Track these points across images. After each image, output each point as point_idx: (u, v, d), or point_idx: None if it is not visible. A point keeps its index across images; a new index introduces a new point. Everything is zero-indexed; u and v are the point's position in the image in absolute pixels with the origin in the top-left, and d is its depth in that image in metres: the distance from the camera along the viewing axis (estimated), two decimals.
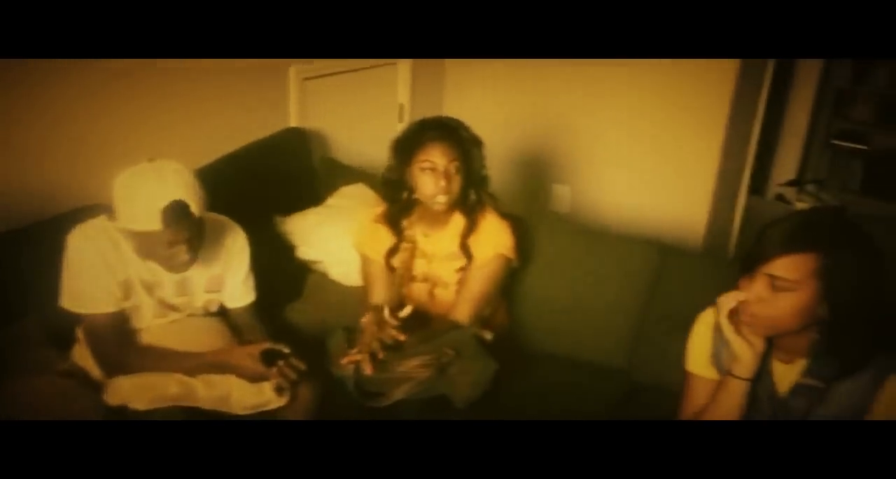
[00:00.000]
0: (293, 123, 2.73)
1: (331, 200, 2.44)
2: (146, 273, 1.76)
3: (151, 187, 1.59)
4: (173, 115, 2.29)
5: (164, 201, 1.57)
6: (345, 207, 2.38)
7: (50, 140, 2.00)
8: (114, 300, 1.73)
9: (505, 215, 2.05)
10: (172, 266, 1.71)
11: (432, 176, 1.89)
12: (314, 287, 2.24)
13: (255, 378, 1.70)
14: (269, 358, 1.70)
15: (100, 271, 1.70)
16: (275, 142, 2.57)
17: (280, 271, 2.12)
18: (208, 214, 1.75)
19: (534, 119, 3.36)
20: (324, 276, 2.27)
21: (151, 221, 1.58)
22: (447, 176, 1.88)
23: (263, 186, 2.33)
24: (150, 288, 1.77)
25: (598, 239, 2.37)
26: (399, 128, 3.25)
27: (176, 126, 2.28)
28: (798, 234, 1.34)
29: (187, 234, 1.64)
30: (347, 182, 2.55)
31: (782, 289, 1.34)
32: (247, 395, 1.74)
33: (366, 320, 1.87)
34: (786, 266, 1.33)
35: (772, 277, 1.34)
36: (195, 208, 1.62)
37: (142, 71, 2.14)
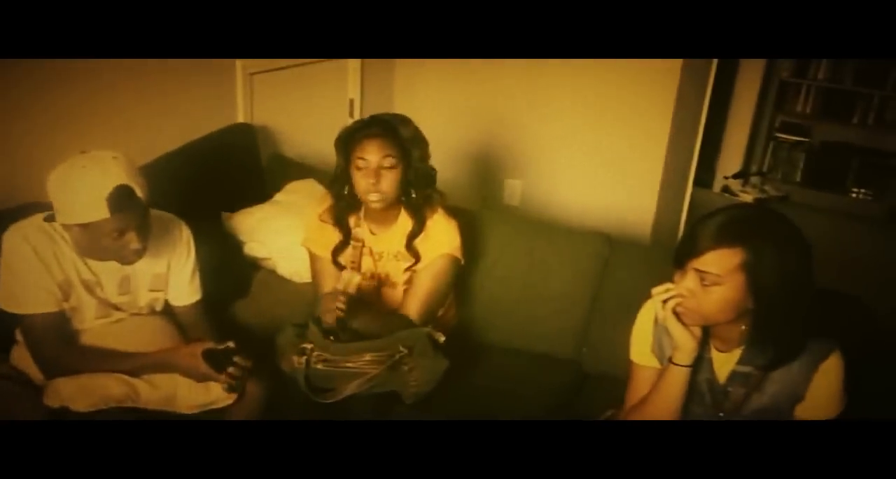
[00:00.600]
0: (241, 119, 2.69)
1: (279, 196, 2.42)
2: (86, 272, 1.72)
3: (92, 177, 1.55)
4: (116, 110, 2.24)
5: (108, 189, 1.54)
6: (293, 202, 2.36)
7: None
8: (53, 300, 1.69)
9: (452, 213, 2.05)
10: (125, 257, 1.66)
11: (364, 173, 1.88)
12: (262, 284, 2.22)
13: (200, 378, 1.68)
14: (214, 357, 1.68)
15: (37, 271, 1.65)
16: (222, 137, 2.53)
17: (227, 268, 2.09)
18: (152, 210, 1.73)
19: (485, 114, 3.38)
20: (272, 273, 2.26)
21: (98, 211, 1.55)
22: (377, 174, 1.87)
23: (210, 183, 2.29)
24: (90, 288, 1.73)
25: (546, 230, 2.41)
26: (349, 123, 3.25)
27: (119, 122, 2.24)
28: (723, 229, 1.38)
29: (136, 221, 1.61)
30: (295, 178, 2.53)
31: (711, 283, 1.38)
32: (193, 394, 1.73)
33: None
34: (713, 261, 1.37)
35: (700, 272, 1.39)
36: (140, 193, 1.59)
37: (82, 65, 2.09)
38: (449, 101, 3.40)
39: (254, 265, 2.27)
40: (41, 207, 1.93)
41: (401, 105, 3.49)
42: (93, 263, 1.71)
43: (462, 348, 1.99)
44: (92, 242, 1.63)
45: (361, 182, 1.88)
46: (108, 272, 1.73)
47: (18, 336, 1.79)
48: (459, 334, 2.12)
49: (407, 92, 3.51)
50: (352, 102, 3.25)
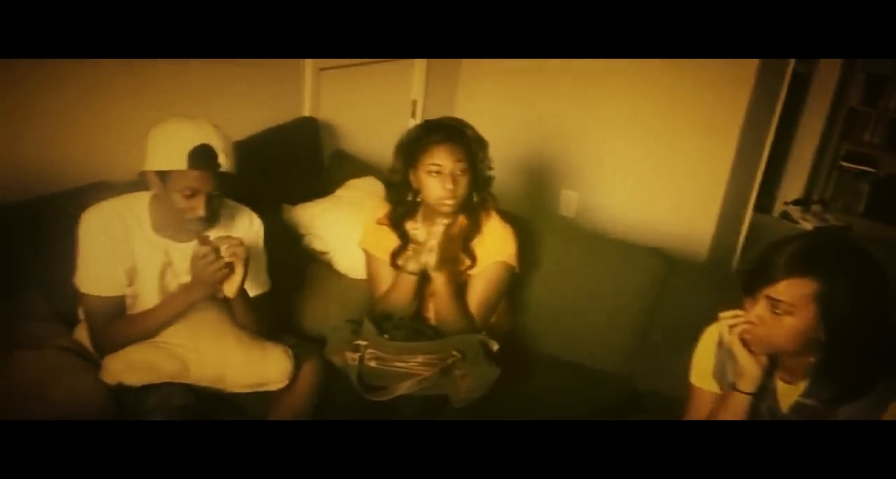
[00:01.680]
0: (307, 113, 2.72)
1: (339, 192, 2.43)
2: (159, 254, 1.75)
3: (184, 129, 1.61)
4: (189, 99, 2.28)
5: (193, 143, 1.58)
6: (353, 199, 2.37)
7: (62, 116, 1.99)
8: (116, 285, 1.73)
9: (508, 218, 2.04)
10: (189, 223, 1.67)
11: (439, 179, 1.87)
12: (319, 278, 2.23)
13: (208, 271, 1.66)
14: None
15: (107, 255, 1.69)
16: (287, 131, 2.56)
17: (286, 260, 2.10)
18: (227, 200, 1.75)
19: (545, 122, 3.36)
20: (329, 267, 2.27)
21: (177, 161, 1.59)
22: (454, 179, 1.86)
23: (273, 175, 2.32)
24: (162, 270, 1.76)
25: (603, 243, 2.38)
26: (411, 123, 3.26)
27: (191, 111, 2.27)
28: (798, 258, 1.34)
29: (208, 185, 1.63)
30: (357, 175, 2.54)
31: (782, 312, 1.34)
32: (243, 373, 1.76)
33: None
34: (786, 290, 1.33)
35: (772, 299, 1.35)
36: (222, 159, 1.61)
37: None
38: (510, 108, 3.39)
39: (311, 258, 2.29)
40: (108, 186, 2.00)
41: (462, 109, 3.49)
42: (166, 243, 1.74)
43: (512, 357, 1.96)
44: (167, 198, 1.65)
45: (437, 189, 1.87)
46: (180, 253, 1.75)
47: (81, 314, 1.83)
48: (510, 343, 2.10)
49: (469, 96, 3.51)
50: (414, 103, 3.26)
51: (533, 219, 2.33)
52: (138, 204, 1.74)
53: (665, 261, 2.24)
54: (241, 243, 1.68)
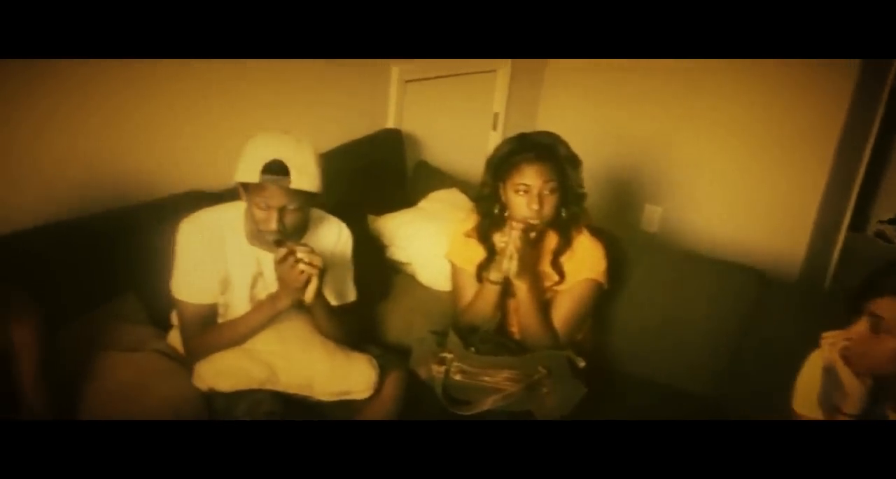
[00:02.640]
0: (390, 124, 2.74)
1: (423, 203, 2.44)
2: (251, 263, 1.78)
3: (264, 144, 1.64)
4: (280, 109, 2.33)
5: (269, 157, 1.60)
6: (437, 211, 2.37)
7: (156, 126, 2.05)
8: (210, 294, 1.77)
9: (599, 235, 2.00)
10: (264, 234, 1.69)
11: (525, 198, 1.84)
12: (402, 289, 2.23)
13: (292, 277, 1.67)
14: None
15: (203, 264, 1.73)
16: (372, 142, 2.59)
17: (370, 271, 2.11)
18: (315, 210, 1.77)
19: (629, 135, 3.30)
20: (412, 278, 2.27)
21: (252, 174, 1.61)
22: (541, 199, 1.83)
23: (359, 185, 2.34)
24: (253, 280, 1.79)
25: (695, 261, 2.31)
26: (492, 136, 3.26)
27: (280, 121, 2.32)
28: None
29: (280, 199, 1.63)
30: (439, 186, 2.55)
31: (884, 330, 1.32)
32: (330, 382, 1.77)
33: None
34: (889, 307, 1.31)
35: (874, 316, 1.33)
36: (295, 175, 1.62)
37: (251, 63, 2.18)
38: (593, 120, 3.35)
39: (395, 269, 2.29)
40: (202, 195, 2.05)
41: (544, 122, 3.46)
42: (258, 253, 1.77)
43: (598, 376, 1.92)
44: (248, 209, 1.69)
45: (523, 208, 1.84)
46: (270, 263, 1.77)
47: (174, 320, 1.88)
48: (596, 361, 2.05)
49: (551, 110, 3.49)
50: (496, 115, 3.26)
51: (621, 235, 2.28)
52: (233, 214, 1.77)
53: (759, 280, 2.16)
54: (315, 252, 1.67)
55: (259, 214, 1.66)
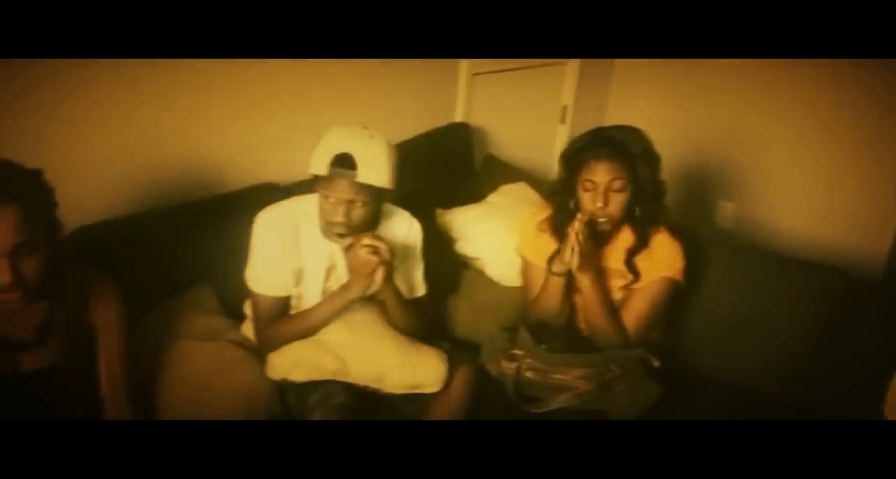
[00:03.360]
0: (459, 118, 2.73)
1: (492, 197, 2.41)
2: (324, 257, 1.79)
3: (337, 138, 1.65)
4: (350, 102, 2.34)
5: (338, 151, 1.62)
6: (506, 205, 2.35)
7: (233, 120, 2.09)
8: (284, 286, 1.79)
9: (678, 233, 1.93)
10: (333, 227, 1.70)
11: (591, 195, 1.80)
12: (471, 284, 2.22)
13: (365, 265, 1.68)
14: None
15: (279, 257, 1.75)
16: (440, 135, 2.58)
17: (438, 265, 2.10)
18: (387, 204, 1.78)
19: (701, 129, 3.21)
20: (480, 273, 2.25)
21: (321, 167, 1.63)
22: (606, 196, 1.79)
23: (427, 179, 2.34)
24: (326, 273, 1.80)
25: (774, 261, 2.22)
26: (561, 130, 3.22)
27: (352, 115, 2.33)
28: None
29: (347, 192, 1.64)
30: (508, 180, 2.52)
31: None
32: (401, 375, 1.77)
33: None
34: None
35: None
36: (362, 169, 1.62)
37: (325, 59, 2.20)
38: (664, 114, 3.26)
39: (463, 263, 2.28)
40: (276, 187, 2.08)
41: (613, 116, 3.40)
42: (332, 246, 1.78)
43: (673, 376, 1.87)
44: (320, 202, 1.70)
45: (588, 204, 1.81)
46: (343, 256, 1.79)
47: (247, 310, 1.90)
48: (672, 361, 2.00)
49: (621, 103, 3.42)
50: (565, 108, 3.21)
51: (700, 231, 2.21)
52: (308, 206, 1.79)
53: (842, 280, 2.06)
54: (381, 239, 1.67)
55: (326, 206, 1.68)
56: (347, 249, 1.67)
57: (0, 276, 1.20)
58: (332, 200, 1.66)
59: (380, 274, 1.68)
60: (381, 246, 1.66)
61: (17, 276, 1.22)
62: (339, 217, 1.66)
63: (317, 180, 1.68)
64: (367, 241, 1.65)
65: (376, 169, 1.64)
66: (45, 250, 1.25)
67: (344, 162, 1.61)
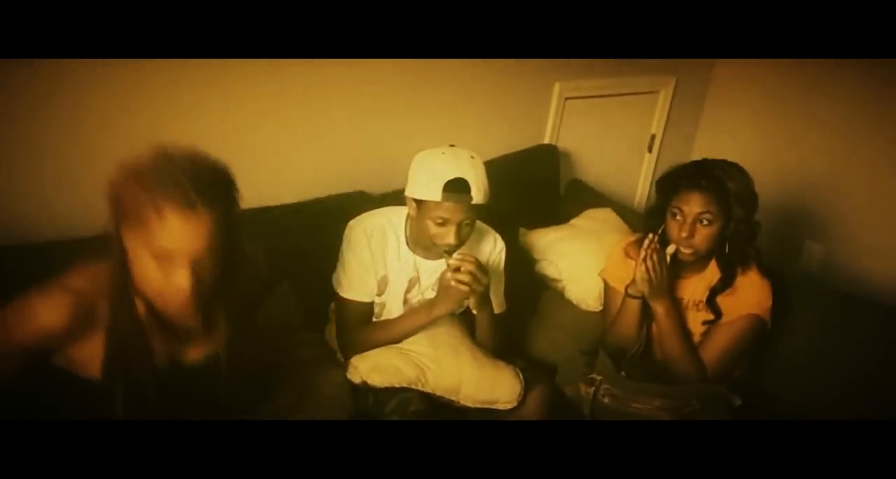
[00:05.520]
0: (547, 140, 2.74)
1: (576, 221, 2.42)
2: (408, 269, 1.83)
3: (443, 163, 1.66)
4: (441, 117, 2.38)
5: (450, 176, 1.64)
6: (590, 229, 2.34)
7: (326, 128, 2.14)
8: (370, 293, 1.83)
9: (767, 273, 1.90)
10: (437, 245, 1.73)
11: (678, 224, 1.79)
12: (550, 305, 2.22)
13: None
14: None
15: (367, 264, 1.80)
16: (528, 156, 2.60)
17: (519, 284, 2.11)
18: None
19: (791, 167, 3.13)
20: (561, 295, 2.25)
21: (433, 193, 1.65)
22: (692, 228, 1.77)
23: (512, 198, 2.34)
24: (409, 284, 1.84)
25: (866, 306, 2.14)
26: (648, 159, 3.19)
27: (443, 129, 2.38)
28: None
29: (460, 216, 1.67)
30: (592, 205, 2.52)
31: None
32: (476, 389, 1.78)
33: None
34: None
35: None
36: (475, 192, 1.65)
37: (423, 73, 2.25)
38: (754, 147, 3.19)
39: (544, 284, 2.28)
40: (366, 196, 2.13)
41: (701, 148, 3.36)
42: (417, 259, 1.82)
43: (753, 415, 1.83)
44: (420, 222, 1.72)
45: (674, 232, 1.80)
46: (427, 271, 1.83)
47: (331, 314, 1.95)
48: (751, 400, 1.95)
49: (710, 135, 3.37)
50: (653, 137, 3.19)
51: (787, 272, 2.15)
52: (397, 219, 1.83)
53: None
54: (482, 267, 1.71)
55: (435, 229, 1.70)
56: (452, 271, 1.69)
57: (180, 283, 1.13)
58: (442, 223, 1.68)
59: (474, 300, 1.71)
60: (482, 275, 1.69)
61: (196, 285, 1.14)
62: (452, 239, 1.69)
63: (419, 203, 1.70)
64: (469, 267, 1.68)
65: (484, 189, 1.68)
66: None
67: (458, 187, 1.64)
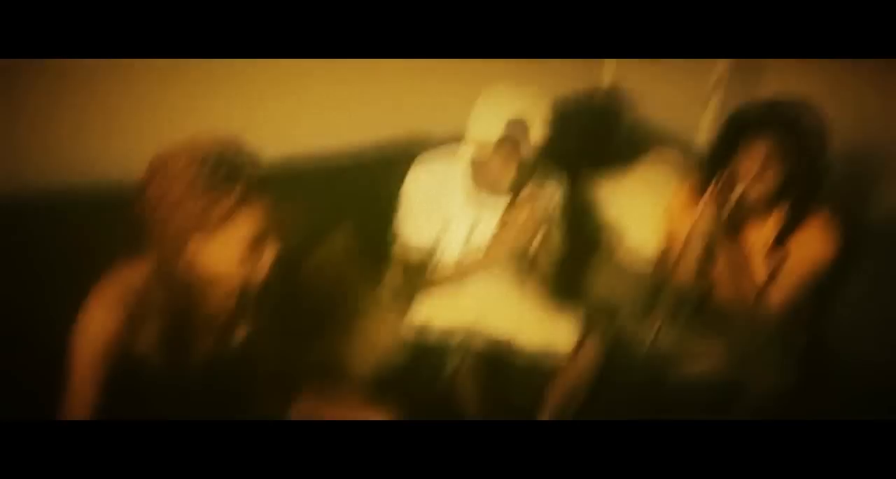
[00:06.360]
0: (608, 82, 2.68)
1: (639, 165, 2.38)
2: (470, 212, 1.84)
3: (505, 100, 1.67)
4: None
5: (511, 115, 1.64)
6: (653, 173, 2.32)
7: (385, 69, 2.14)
8: (430, 236, 1.85)
9: (838, 216, 1.83)
10: (496, 185, 1.74)
11: (746, 166, 1.74)
12: (608, 251, 2.21)
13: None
14: None
15: (427, 208, 1.82)
16: (591, 99, 2.56)
17: (578, 229, 2.10)
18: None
19: (869, 105, 2.97)
20: (619, 241, 2.23)
21: (492, 129, 1.66)
22: (761, 170, 1.72)
23: (575, 140, 2.31)
24: (471, 227, 1.85)
25: None
26: (713, 100, 3.08)
27: (507, 67, 2.34)
28: None
29: (518, 154, 1.68)
30: (656, 148, 2.47)
31: None
32: (533, 333, 1.81)
33: None
34: None
35: None
36: (535, 131, 1.65)
37: None
38: (826, 86, 3.03)
39: (604, 228, 2.27)
40: (429, 140, 2.12)
41: (769, 86, 3.22)
42: (479, 202, 1.83)
43: (817, 357, 1.80)
44: (482, 162, 1.74)
45: (742, 172, 1.75)
46: (489, 213, 1.84)
47: (393, 257, 1.98)
48: (817, 342, 1.92)
49: (779, 74, 3.22)
50: (720, 78, 3.06)
51: (860, 216, 2.08)
52: (460, 161, 1.84)
53: None
54: (548, 207, 1.70)
55: (496, 167, 1.71)
56: (512, 213, 1.70)
57: (265, 260, 1.23)
58: (502, 161, 1.69)
59: (538, 240, 1.71)
60: (545, 214, 1.70)
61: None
62: (510, 178, 1.70)
63: (484, 144, 1.70)
64: (534, 211, 1.69)
65: (545, 128, 1.67)
66: None
67: (518, 125, 1.64)
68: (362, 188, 2.02)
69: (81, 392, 1.19)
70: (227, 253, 1.20)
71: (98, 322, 1.18)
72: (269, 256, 1.24)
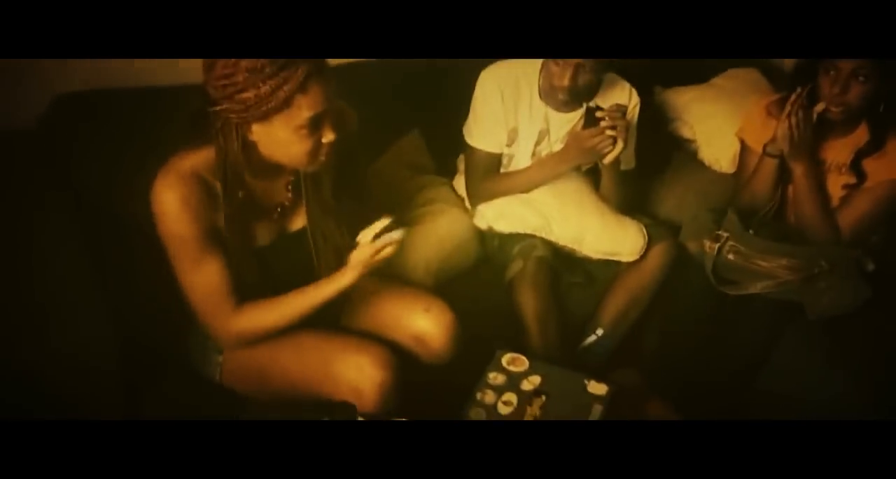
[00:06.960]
0: None
1: (717, 80, 2.31)
2: (540, 121, 1.84)
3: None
4: None
5: None
6: (731, 89, 2.24)
7: None
8: (498, 143, 1.86)
9: None
10: (555, 88, 1.73)
11: (830, 80, 1.67)
12: (680, 165, 2.18)
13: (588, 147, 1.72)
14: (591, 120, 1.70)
15: (497, 114, 1.81)
16: None
17: (650, 142, 2.07)
18: (610, 74, 1.80)
19: None
20: (693, 156, 2.20)
21: None
22: (846, 83, 1.65)
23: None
24: (539, 136, 1.85)
25: None
26: None
27: None
28: None
29: (587, 68, 1.67)
30: (735, 63, 2.38)
31: None
32: (599, 241, 1.83)
33: None
34: None
35: None
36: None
37: None
38: None
39: (676, 145, 2.23)
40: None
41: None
42: (548, 110, 1.83)
43: (887, 280, 1.77)
44: (545, 65, 1.73)
45: (825, 88, 1.68)
46: (558, 123, 1.84)
47: (460, 165, 2.01)
48: (885, 266, 1.88)
49: None
50: None
51: None
52: (531, 69, 1.82)
53: None
54: (625, 116, 1.69)
55: (555, 68, 1.69)
56: (589, 122, 1.69)
57: (326, 140, 1.24)
58: (561, 63, 1.68)
59: (615, 152, 1.70)
60: (623, 124, 1.67)
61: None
62: (566, 80, 1.68)
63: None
64: (619, 122, 1.66)
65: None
66: None
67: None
68: (436, 92, 2.03)
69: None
70: (286, 138, 1.22)
71: (167, 202, 1.24)
72: (327, 142, 1.25)
